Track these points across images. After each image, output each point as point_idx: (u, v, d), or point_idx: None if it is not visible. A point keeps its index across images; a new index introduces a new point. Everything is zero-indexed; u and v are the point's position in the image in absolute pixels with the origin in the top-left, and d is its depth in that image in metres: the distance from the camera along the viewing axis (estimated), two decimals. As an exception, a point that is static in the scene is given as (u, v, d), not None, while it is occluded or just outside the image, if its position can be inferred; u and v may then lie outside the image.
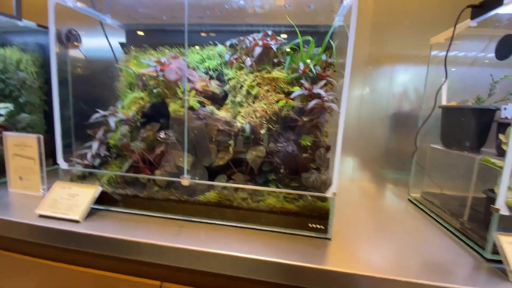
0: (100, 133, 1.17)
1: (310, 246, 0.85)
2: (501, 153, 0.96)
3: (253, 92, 0.97)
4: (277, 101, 0.96)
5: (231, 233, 0.92)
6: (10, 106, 1.40)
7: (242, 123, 0.93)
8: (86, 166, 1.10)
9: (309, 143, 0.96)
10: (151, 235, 0.87)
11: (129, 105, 1.17)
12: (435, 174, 1.34)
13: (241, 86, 1.03)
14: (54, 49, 0.99)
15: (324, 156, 0.96)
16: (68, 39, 1.09)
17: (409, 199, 1.40)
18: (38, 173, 1.15)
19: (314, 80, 1.01)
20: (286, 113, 0.96)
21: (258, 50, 0.99)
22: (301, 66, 1.01)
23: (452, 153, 1.19)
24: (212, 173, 1.04)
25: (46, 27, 1.45)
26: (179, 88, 0.99)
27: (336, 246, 0.87)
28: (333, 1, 1.05)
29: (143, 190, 1.05)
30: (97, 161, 1.11)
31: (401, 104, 1.56)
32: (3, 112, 1.34)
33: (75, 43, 1.12)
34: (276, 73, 0.99)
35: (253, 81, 0.99)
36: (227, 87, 1.10)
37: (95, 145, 1.12)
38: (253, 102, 0.98)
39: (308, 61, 1.01)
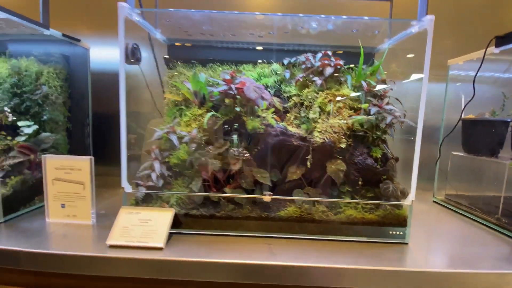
0: (156, 152, 1.10)
1: (393, 252, 0.92)
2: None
3: (327, 108, 1.02)
4: (350, 117, 1.03)
5: (318, 246, 0.94)
6: (32, 124, 1.24)
7: (324, 139, 0.97)
8: (149, 188, 1.03)
9: (379, 155, 1.04)
10: (245, 256, 0.85)
11: (188, 122, 1.13)
12: (456, 178, 1.52)
13: (310, 103, 1.07)
14: (123, 65, 0.93)
15: (395, 167, 1.05)
16: (133, 54, 1.02)
17: (434, 201, 1.56)
18: (88, 199, 1.04)
19: (374, 96, 1.10)
20: (357, 127, 1.03)
21: (330, 70, 1.05)
22: (364, 84, 1.09)
23: (474, 158, 1.37)
24: (286, 189, 1.05)
25: (72, 38, 1.34)
26: (257, 106, 1.00)
27: (414, 249, 0.95)
28: (377, 25, 1.16)
29: (215, 209, 1.01)
30: (160, 182, 1.04)
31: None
32: (29, 131, 1.19)
33: (137, 59, 1.06)
34: (345, 91, 1.06)
35: (325, 98, 1.04)
36: (290, 104, 1.14)
37: (157, 165, 1.05)
38: (327, 118, 1.03)
39: (370, 80, 1.10)
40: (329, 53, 1.16)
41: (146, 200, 1.03)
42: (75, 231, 0.99)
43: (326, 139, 0.98)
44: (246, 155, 1.01)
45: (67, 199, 1.05)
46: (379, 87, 1.10)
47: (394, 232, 0.99)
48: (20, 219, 1.09)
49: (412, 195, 0.97)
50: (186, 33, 1.19)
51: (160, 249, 0.88)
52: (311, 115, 1.02)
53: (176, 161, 1.07)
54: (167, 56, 1.31)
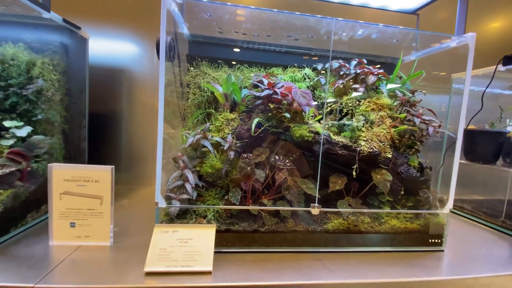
0: (185, 160, 0.98)
1: (433, 259, 0.93)
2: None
3: (371, 117, 1.01)
4: (393, 126, 1.02)
5: (368, 259, 0.91)
6: (22, 124, 1.02)
7: (373, 149, 0.95)
8: (182, 201, 0.90)
9: (417, 164, 1.05)
10: (303, 274, 0.79)
11: (220, 127, 1.03)
12: (458, 184, 1.62)
13: (351, 111, 1.05)
14: (164, 61, 0.80)
15: (430, 176, 1.07)
16: (170, 49, 0.89)
17: (437, 206, 1.65)
18: (107, 216, 0.88)
19: (403, 106, 1.12)
20: (396, 137, 1.03)
21: (373, 79, 1.04)
22: (399, 94, 1.10)
23: (475, 165, 1.48)
24: (325, 200, 1.01)
25: (73, 24, 1.15)
26: (304, 112, 0.94)
27: (450, 255, 0.97)
28: (407, 35, 1.19)
29: (257, 223, 0.93)
30: (195, 194, 0.92)
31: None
32: (22, 133, 0.97)
33: (173, 55, 0.92)
34: (385, 99, 1.06)
35: (367, 106, 1.03)
36: (326, 110, 1.10)
37: (189, 174, 0.93)
38: (371, 127, 1.01)
39: (404, 91, 1.12)
40: (365, 61, 1.15)
41: (179, 216, 0.90)
42: (92, 256, 0.82)
43: (374, 148, 0.96)
44: (290, 164, 0.95)
45: (78, 216, 0.88)
46: (410, 96, 1.12)
47: (433, 240, 1.00)
48: (13, 242, 0.88)
49: (450, 204, 1.00)
50: (218, 30, 1.08)
51: (208, 273, 0.77)
52: (355, 123, 0.99)
53: (210, 170, 0.96)
54: (187, 54, 1.19)
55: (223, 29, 1.08)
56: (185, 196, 0.90)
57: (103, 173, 0.87)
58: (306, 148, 0.97)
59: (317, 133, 0.95)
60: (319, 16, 0.90)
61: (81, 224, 0.88)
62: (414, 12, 1.30)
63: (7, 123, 0.99)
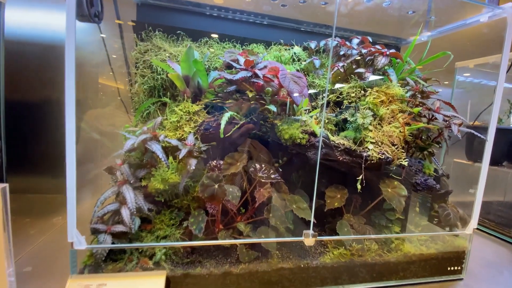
0: (124, 170, 0.68)
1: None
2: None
3: (380, 112, 0.76)
4: (406, 124, 0.79)
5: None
6: None
7: (384, 154, 0.71)
8: (117, 235, 0.61)
9: (432, 172, 0.84)
10: None
11: (177, 123, 0.74)
12: (459, 183, 1.46)
13: (355, 102, 0.80)
14: (73, 21, 0.49)
15: (448, 186, 0.86)
16: (91, 4, 0.56)
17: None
18: (1, 260, 0.57)
19: (414, 97, 0.89)
20: (409, 137, 0.80)
21: (383, 61, 0.79)
22: (411, 82, 0.87)
23: (476, 166, 1.32)
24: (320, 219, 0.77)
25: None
26: (296, 104, 0.67)
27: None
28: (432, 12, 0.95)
29: (228, 259, 0.67)
30: (137, 223, 0.64)
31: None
32: None
33: (96, 14, 0.59)
34: (396, 89, 0.81)
35: (376, 97, 0.78)
36: (321, 102, 0.84)
37: (128, 194, 0.64)
38: (380, 124, 0.77)
39: (418, 79, 0.89)
40: (369, 38, 0.90)
41: (111, 256, 0.61)
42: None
43: (386, 153, 0.72)
44: (275, 176, 0.68)
45: None
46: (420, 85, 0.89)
47: (452, 268, 0.80)
48: None
49: (474, 223, 0.79)
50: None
51: None
52: (360, 120, 0.74)
53: (161, 185, 0.67)
54: (134, 21, 0.86)
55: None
56: (120, 228, 0.61)
57: (-16, 197, 0.56)
58: (297, 154, 0.71)
59: (313, 134, 0.69)
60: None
61: (-47, 275, 0.56)
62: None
63: None
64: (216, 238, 0.68)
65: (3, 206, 0.57)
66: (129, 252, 0.62)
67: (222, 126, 0.62)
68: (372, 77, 0.77)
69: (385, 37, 1.09)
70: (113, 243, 0.59)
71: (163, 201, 0.70)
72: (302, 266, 0.68)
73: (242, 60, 0.73)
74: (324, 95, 0.85)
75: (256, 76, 0.66)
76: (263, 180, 0.67)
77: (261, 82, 0.65)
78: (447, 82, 1.45)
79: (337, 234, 0.73)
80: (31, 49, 1.11)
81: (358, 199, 0.80)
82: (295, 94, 0.64)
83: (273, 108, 0.62)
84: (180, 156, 0.62)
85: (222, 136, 0.63)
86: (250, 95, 0.66)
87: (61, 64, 1.30)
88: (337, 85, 0.83)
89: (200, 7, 0.90)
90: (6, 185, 0.57)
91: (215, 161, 0.71)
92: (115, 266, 0.59)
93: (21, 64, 1.08)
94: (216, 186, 0.61)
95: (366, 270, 0.73)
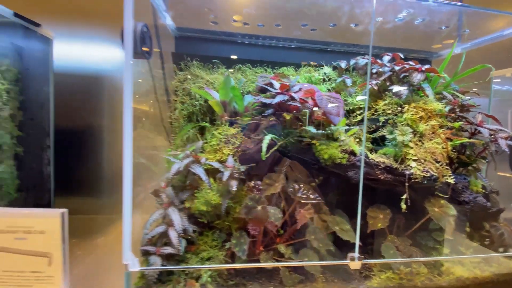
0: (169, 193, 0.72)
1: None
2: None
3: (420, 128, 0.75)
4: (448, 139, 0.76)
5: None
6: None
7: (428, 171, 0.69)
8: (165, 257, 0.64)
9: (480, 188, 0.79)
10: None
11: (216, 146, 0.77)
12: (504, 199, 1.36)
13: (391, 120, 0.79)
14: (130, 59, 0.55)
15: (498, 203, 0.80)
16: (143, 42, 0.63)
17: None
18: (58, 280, 0.61)
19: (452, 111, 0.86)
20: (452, 153, 0.77)
21: (419, 77, 0.78)
22: (448, 96, 0.85)
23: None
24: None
25: (29, 20, 0.90)
26: (333, 124, 0.68)
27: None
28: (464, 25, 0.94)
29: (271, 282, 0.66)
30: (183, 244, 0.66)
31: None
32: None
33: (146, 49, 0.66)
34: (435, 104, 0.80)
35: (414, 113, 0.77)
36: (356, 119, 0.84)
37: (175, 216, 0.66)
38: (420, 141, 0.75)
39: (456, 93, 0.86)
40: (401, 55, 0.90)
41: (160, 278, 0.63)
42: None
43: (430, 170, 0.69)
44: (315, 197, 0.68)
45: (19, 282, 0.61)
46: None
47: (514, 295, 0.73)
48: None
49: (535, 244, 0.73)
50: (211, 19, 0.83)
51: None
52: (400, 137, 0.73)
53: (204, 207, 0.70)
54: (173, 53, 0.93)
55: (218, 18, 0.83)
56: (169, 250, 0.63)
57: (49, 221, 0.61)
58: (337, 173, 0.70)
59: (352, 153, 0.69)
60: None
61: (20, 295, 0.61)
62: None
63: None
64: (257, 260, 0.68)
65: (62, 230, 0.62)
66: (177, 274, 0.64)
67: (264, 149, 0.64)
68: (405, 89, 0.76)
69: (414, 52, 1.09)
70: (162, 264, 0.62)
71: (205, 222, 0.72)
72: (348, 291, 0.66)
73: (276, 84, 0.76)
74: (357, 113, 0.85)
75: (293, 99, 0.68)
76: (303, 201, 0.67)
77: (297, 105, 0.67)
78: (475, 90, 1.39)
79: (381, 256, 0.70)
80: (74, 80, 1.22)
81: (402, 219, 0.77)
82: (333, 115, 0.65)
83: (312, 129, 0.64)
84: (224, 179, 0.65)
85: (263, 158, 0.65)
86: (288, 117, 0.68)
87: (101, 93, 1.41)
88: (359, 98, 0.83)
89: (232, 36, 0.96)
90: (66, 210, 0.63)
91: (252, 182, 0.73)
92: (169, 287, 0.61)
93: (66, 95, 1.17)
94: (259, 207, 0.62)
95: (416, 296, 0.69)
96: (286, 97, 0.67)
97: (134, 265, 0.57)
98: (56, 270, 0.62)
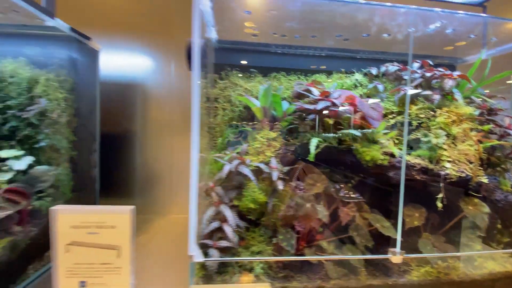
0: (220, 192, 0.78)
1: None
2: None
3: (453, 131, 0.79)
4: (479, 141, 0.81)
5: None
6: (22, 154, 0.85)
7: (463, 172, 0.74)
8: (222, 250, 0.70)
9: (509, 188, 0.83)
10: None
11: (260, 149, 0.83)
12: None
13: (424, 123, 0.84)
14: (198, 70, 0.62)
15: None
16: (203, 56, 0.70)
17: None
18: (126, 271, 0.68)
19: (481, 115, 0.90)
20: (483, 154, 0.81)
21: (451, 83, 0.83)
22: (477, 101, 0.89)
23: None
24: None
25: (81, 34, 0.99)
26: (373, 128, 0.74)
27: None
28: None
29: (317, 274, 0.71)
30: (236, 239, 0.72)
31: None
32: (20, 166, 0.80)
33: (204, 63, 0.74)
34: (466, 108, 0.84)
35: (447, 117, 0.81)
36: (389, 123, 0.89)
37: (228, 213, 0.73)
38: (454, 143, 0.80)
39: (484, 97, 0.91)
40: (430, 62, 0.95)
41: (218, 270, 0.69)
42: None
43: (465, 171, 0.74)
44: (357, 196, 0.74)
45: (90, 273, 0.68)
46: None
47: (548, 291, 0.76)
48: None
49: None
50: (254, 33, 0.90)
51: None
52: (434, 140, 0.78)
53: (252, 205, 0.76)
54: (214, 63, 1.00)
55: (261, 30, 0.89)
56: (224, 243, 0.69)
57: (120, 217, 0.68)
58: (376, 174, 0.76)
59: (392, 155, 0.74)
60: (390, 4, 0.71)
61: (94, 283, 0.68)
62: (481, 3, 1.10)
63: (3, 153, 0.82)
64: (302, 255, 0.73)
65: (131, 225, 0.69)
66: (232, 266, 0.70)
67: (312, 151, 0.70)
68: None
69: (439, 58, 1.13)
70: (220, 257, 0.68)
71: (252, 219, 0.78)
72: (390, 283, 0.70)
73: (315, 91, 0.82)
74: (389, 117, 0.90)
75: (334, 104, 0.73)
76: (346, 200, 0.72)
77: (338, 110, 0.73)
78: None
79: (419, 252, 0.75)
80: (113, 88, 1.31)
81: (436, 217, 0.82)
82: (374, 120, 0.71)
83: (357, 133, 0.69)
84: (274, 179, 0.71)
85: (312, 159, 0.70)
86: (331, 122, 0.74)
87: (134, 100, 1.48)
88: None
89: (267, 46, 1.03)
90: (134, 207, 0.69)
91: (294, 182, 0.79)
92: (223, 278, 0.67)
93: (105, 101, 1.25)
94: (308, 205, 0.68)
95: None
96: (328, 103, 0.73)
97: (198, 256, 0.64)
98: (124, 262, 0.68)
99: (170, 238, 1.14)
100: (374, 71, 0.98)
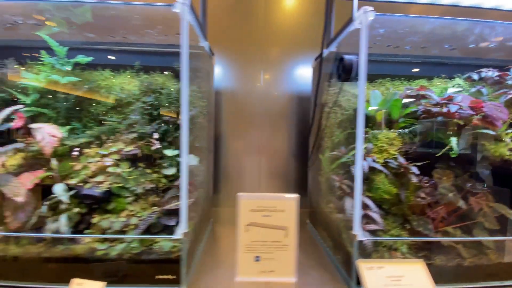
0: (349, 184, 0.91)
1: None
2: None
3: None
4: None
5: None
6: (176, 152, 1.02)
7: None
8: (371, 232, 0.83)
9: None
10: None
11: (382, 147, 0.96)
12: None
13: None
14: (364, 83, 0.75)
15: None
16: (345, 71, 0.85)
17: None
18: (292, 248, 0.83)
19: None
20: None
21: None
22: None
23: None
24: None
25: (211, 51, 1.15)
26: (498, 128, 0.85)
27: None
28: None
29: (452, 256, 0.83)
30: (382, 223, 0.85)
31: None
32: (194, 162, 0.97)
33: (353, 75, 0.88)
34: None
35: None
36: None
37: (369, 202, 0.86)
38: None
39: None
40: (530, 67, 1.04)
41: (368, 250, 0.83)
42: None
43: None
44: (483, 187, 0.85)
45: (263, 249, 0.83)
46: None
47: None
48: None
49: None
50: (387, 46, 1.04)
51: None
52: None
53: (387, 195, 0.89)
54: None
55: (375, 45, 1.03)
56: (373, 226, 0.83)
57: (288, 202, 0.83)
58: (501, 168, 0.86)
59: (514, 150, 0.85)
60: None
61: (266, 258, 0.83)
62: None
63: (168, 152, 0.99)
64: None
65: (296, 209, 0.83)
66: (379, 246, 0.83)
67: (456, 148, 0.82)
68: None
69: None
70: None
71: (385, 208, 0.90)
72: (517, 263, 0.81)
73: (434, 96, 0.94)
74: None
75: (461, 108, 0.85)
76: (475, 191, 0.83)
77: (462, 112, 0.84)
78: None
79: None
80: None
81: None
82: (500, 121, 0.82)
83: (491, 132, 0.81)
84: (413, 170, 0.83)
85: (455, 155, 0.83)
86: (461, 123, 0.86)
87: (221, 105, 1.57)
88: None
89: (370, 56, 1.15)
90: (298, 195, 0.84)
91: (423, 177, 0.91)
92: (378, 255, 0.80)
93: None
94: (451, 194, 0.80)
95: None
96: (458, 107, 0.85)
97: (361, 235, 0.77)
98: (291, 240, 0.83)
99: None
100: (475, 76, 1.09)
